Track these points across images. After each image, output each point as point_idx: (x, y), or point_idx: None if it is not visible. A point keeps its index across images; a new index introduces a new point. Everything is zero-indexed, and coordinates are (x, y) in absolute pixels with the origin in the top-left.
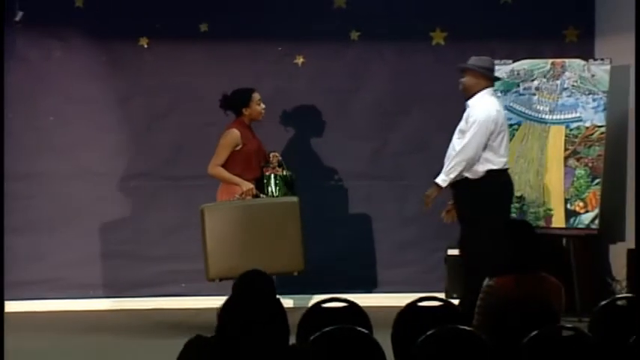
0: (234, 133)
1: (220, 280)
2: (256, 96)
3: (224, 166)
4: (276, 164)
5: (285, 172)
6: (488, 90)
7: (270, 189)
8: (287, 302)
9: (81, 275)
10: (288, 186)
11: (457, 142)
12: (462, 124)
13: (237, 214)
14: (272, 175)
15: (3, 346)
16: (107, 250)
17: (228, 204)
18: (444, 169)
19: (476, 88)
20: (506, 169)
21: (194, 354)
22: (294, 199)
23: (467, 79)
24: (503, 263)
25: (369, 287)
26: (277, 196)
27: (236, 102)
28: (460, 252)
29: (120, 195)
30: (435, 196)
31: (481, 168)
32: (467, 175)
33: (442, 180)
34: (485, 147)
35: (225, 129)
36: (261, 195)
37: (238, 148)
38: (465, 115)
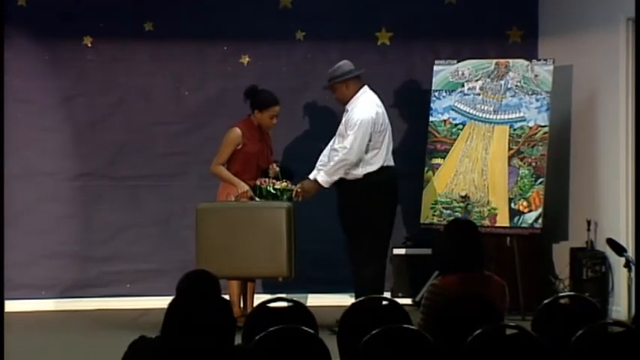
0: (235, 132)
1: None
2: (275, 110)
3: (227, 163)
4: (273, 176)
5: (278, 186)
6: (363, 89)
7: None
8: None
9: (25, 276)
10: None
11: (338, 145)
12: (341, 129)
13: (230, 215)
14: (260, 187)
15: (3, 346)
16: (51, 251)
17: (222, 205)
18: (327, 169)
19: (350, 94)
20: (388, 166)
21: (138, 355)
22: (287, 204)
23: (338, 93)
24: (447, 263)
25: (315, 287)
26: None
27: (255, 100)
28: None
29: (64, 195)
30: (314, 193)
31: (360, 171)
32: (344, 177)
33: (325, 181)
34: (367, 148)
35: (230, 126)
36: (256, 198)
37: (239, 147)
38: (344, 118)
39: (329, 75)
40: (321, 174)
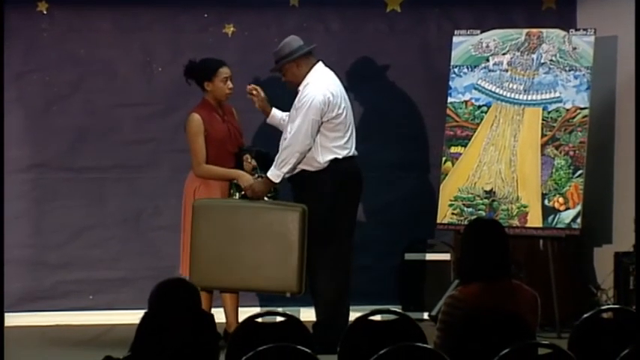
0: (195, 119)
1: (202, 290)
2: (223, 72)
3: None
4: (250, 170)
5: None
6: (316, 66)
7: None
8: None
9: None
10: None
11: (288, 131)
12: (292, 113)
13: (232, 215)
14: (238, 185)
15: (3, 349)
16: None
17: (224, 202)
18: (275, 161)
19: (302, 74)
20: (353, 156)
21: None
22: (302, 206)
23: (288, 75)
24: (469, 270)
25: (310, 299)
26: None
27: (199, 73)
28: None
29: (13, 190)
30: (266, 192)
31: (322, 158)
32: (304, 167)
33: (275, 175)
34: (318, 131)
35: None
36: (265, 197)
37: (205, 135)
38: (296, 100)
39: (275, 55)
40: (271, 168)
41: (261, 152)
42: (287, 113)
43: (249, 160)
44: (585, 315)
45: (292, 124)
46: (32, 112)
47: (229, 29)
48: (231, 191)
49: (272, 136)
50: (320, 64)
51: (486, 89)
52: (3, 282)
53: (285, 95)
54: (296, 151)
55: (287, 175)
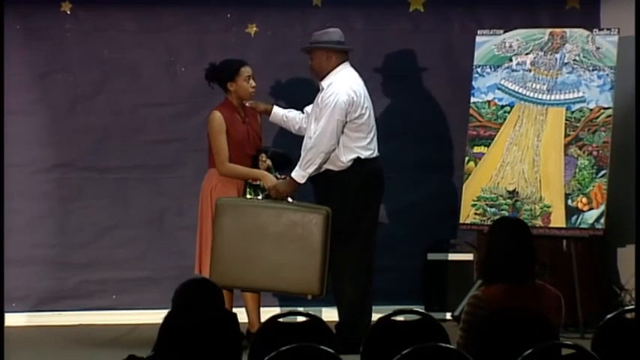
0: (216, 117)
1: (222, 288)
2: (245, 71)
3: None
4: (265, 170)
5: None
6: (343, 65)
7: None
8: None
9: None
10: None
11: (312, 131)
12: (315, 111)
13: (255, 215)
14: (252, 185)
15: (3, 349)
16: (22, 256)
17: (247, 202)
18: (300, 162)
19: (329, 68)
20: (376, 157)
21: None
22: (325, 210)
23: (315, 61)
24: (492, 270)
25: (332, 299)
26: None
27: (221, 74)
28: None
29: (37, 190)
30: (290, 193)
31: (345, 158)
32: (328, 167)
33: (300, 175)
34: (343, 131)
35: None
36: (289, 199)
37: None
38: (318, 97)
39: (313, 37)
40: (295, 168)
41: (277, 152)
42: (288, 110)
43: (264, 160)
44: (609, 315)
45: (317, 125)
46: (56, 112)
47: (252, 29)
48: (248, 190)
49: (291, 138)
50: (347, 64)
51: (509, 89)
52: (3, 282)
53: (309, 96)
54: (321, 152)
55: (312, 175)
